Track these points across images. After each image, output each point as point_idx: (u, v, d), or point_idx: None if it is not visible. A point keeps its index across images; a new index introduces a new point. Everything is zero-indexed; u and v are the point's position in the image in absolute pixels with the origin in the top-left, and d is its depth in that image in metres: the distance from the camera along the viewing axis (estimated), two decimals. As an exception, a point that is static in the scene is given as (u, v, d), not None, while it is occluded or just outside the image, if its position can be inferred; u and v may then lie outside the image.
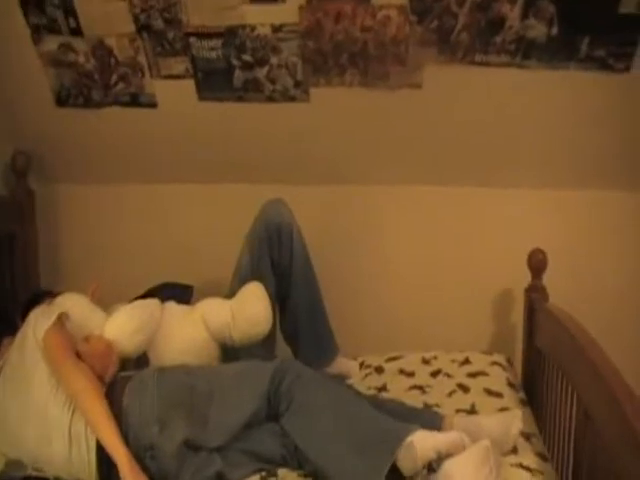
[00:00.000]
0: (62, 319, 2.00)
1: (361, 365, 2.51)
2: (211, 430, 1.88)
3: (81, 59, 2.51)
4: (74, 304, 2.13)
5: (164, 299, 2.34)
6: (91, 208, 2.86)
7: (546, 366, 2.21)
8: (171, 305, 2.28)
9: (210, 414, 1.91)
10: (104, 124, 2.66)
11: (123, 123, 2.64)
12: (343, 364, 2.49)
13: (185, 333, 2.20)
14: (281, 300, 2.42)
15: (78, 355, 1.97)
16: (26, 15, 2.44)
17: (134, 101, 2.59)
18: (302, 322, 2.43)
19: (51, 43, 2.49)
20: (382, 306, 2.71)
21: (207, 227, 2.76)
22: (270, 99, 2.49)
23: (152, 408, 1.90)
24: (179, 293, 2.45)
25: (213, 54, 2.41)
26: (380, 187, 2.65)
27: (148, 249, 2.83)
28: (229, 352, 2.28)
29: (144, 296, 2.37)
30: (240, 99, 2.51)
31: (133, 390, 1.94)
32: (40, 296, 2.27)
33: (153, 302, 2.23)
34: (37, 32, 2.47)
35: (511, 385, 2.31)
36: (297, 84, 2.45)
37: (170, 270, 2.62)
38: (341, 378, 2.40)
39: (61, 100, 2.64)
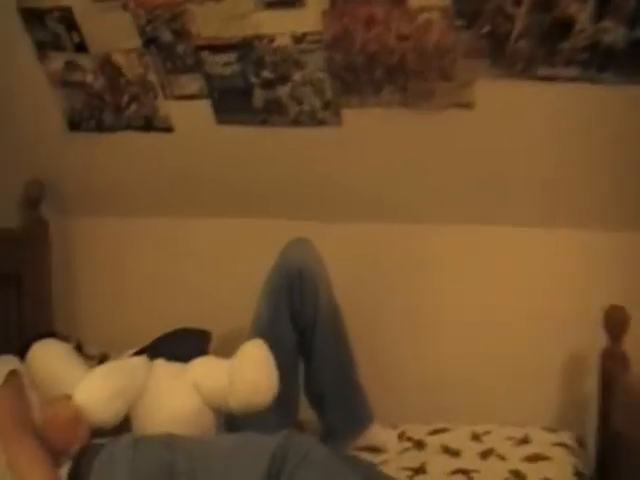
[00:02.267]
0: (14, 379, 1.70)
1: (400, 436, 2.13)
2: None
3: (89, 78, 2.24)
4: (48, 356, 1.83)
5: (172, 349, 2.04)
6: (108, 243, 2.57)
7: (624, 452, 1.80)
8: (161, 364, 1.94)
9: None
10: (118, 150, 2.38)
11: (138, 149, 2.35)
12: (378, 434, 2.10)
13: (174, 399, 1.86)
14: (305, 357, 2.06)
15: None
16: (29, 31, 2.20)
17: (148, 125, 2.29)
18: (328, 384, 2.06)
19: (57, 61, 2.23)
20: (428, 366, 2.28)
21: (228, 267, 2.43)
22: (296, 122, 2.13)
23: None
24: (194, 340, 2.14)
25: (228, 70, 2.08)
26: (426, 226, 2.22)
27: (167, 289, 2.52)
28: (234, 419, 1.93)
29: (147, 348, 2.08)
30: (263, 122, 2.16)
31: (102, 466, 1.62)
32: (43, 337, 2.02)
33: (137, 361, 1.92)
34: (42, 49, 2.22)
35: (579, 475, 1.88)
36: (326, 105, 2.08)
37: (189, 313, 2.32)
38: (373, 452, 2.03)
39: (73, 124, 2.38)
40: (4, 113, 2.36)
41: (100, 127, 2.34)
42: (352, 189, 2.23)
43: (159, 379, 1.88)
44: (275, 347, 1.94)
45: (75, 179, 2.50)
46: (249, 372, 1.83)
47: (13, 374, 1.71)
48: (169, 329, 2.17)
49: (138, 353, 2.12)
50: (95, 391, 1.76)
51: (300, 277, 1.98)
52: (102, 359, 2.38)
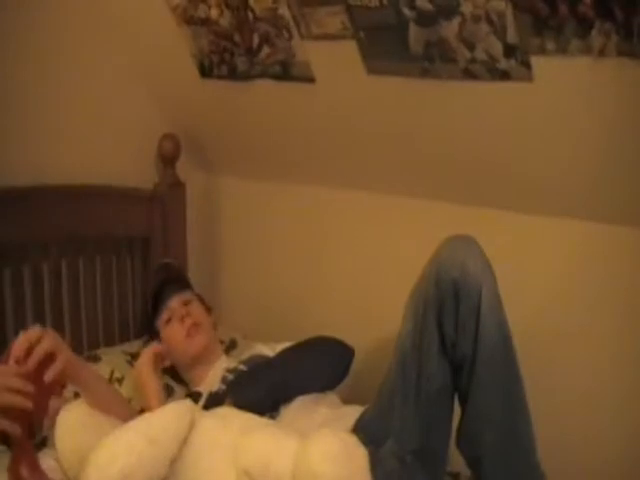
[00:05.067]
0: None
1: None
2: None
3: (214, 13, 1.79)
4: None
5: (304, 372, 1.71)
6: (250, 209, 2.20)
7: None
8: (209, 418, 1.48)
9: None
10: (255, 102, 1.93)
11: (276, 101, 1.89)
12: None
13: None
14: (460, 400, 1.51)
15: None
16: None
17: (285, 73, 1.80)
18: (487, 444, 1.46)
19: (178, -8, 1.81)
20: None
21: (380, 254, 1.94)
22: (468, 74, 1.52)
23: None
24: (335, 360, 1.76)
25: (375, 0, 1.51)
26: None
27: (313, 270, 2.10)
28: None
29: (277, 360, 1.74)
30: (424, 73, 1.58)
31: None
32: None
33: (169, 426, 1.40)
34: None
35: None
36: (509, 50, 1.44)
37: (334, 301, 2.04)
38: None
39: (204, 70, 1.95)
40: (133, 61, 2.01)
41: (233, 74, 1.90)
42: (544, 172, 1.59)
43: (202, 443, 1.40)
44: (419, 380, 1.48)
45: (212, 135, 2.12)
46: None
47: None
48: (312, 318, 1.98)
49: (266, 369, 1.70)
50: (101, 469, 1.31)
51: (456, 292, 1.42)
52: (230, 346, 2.03)
